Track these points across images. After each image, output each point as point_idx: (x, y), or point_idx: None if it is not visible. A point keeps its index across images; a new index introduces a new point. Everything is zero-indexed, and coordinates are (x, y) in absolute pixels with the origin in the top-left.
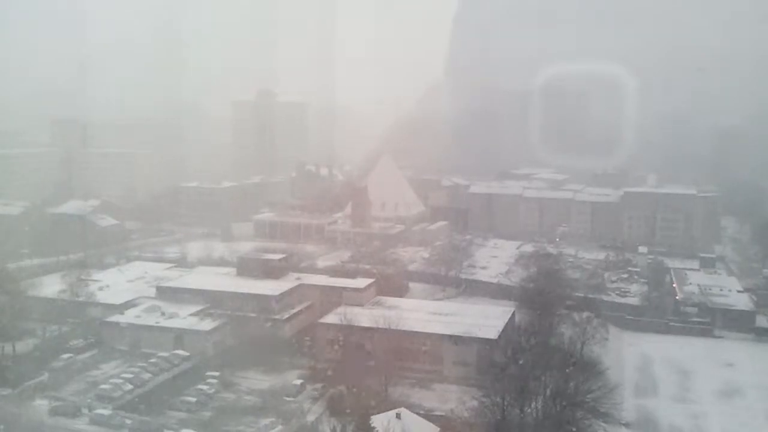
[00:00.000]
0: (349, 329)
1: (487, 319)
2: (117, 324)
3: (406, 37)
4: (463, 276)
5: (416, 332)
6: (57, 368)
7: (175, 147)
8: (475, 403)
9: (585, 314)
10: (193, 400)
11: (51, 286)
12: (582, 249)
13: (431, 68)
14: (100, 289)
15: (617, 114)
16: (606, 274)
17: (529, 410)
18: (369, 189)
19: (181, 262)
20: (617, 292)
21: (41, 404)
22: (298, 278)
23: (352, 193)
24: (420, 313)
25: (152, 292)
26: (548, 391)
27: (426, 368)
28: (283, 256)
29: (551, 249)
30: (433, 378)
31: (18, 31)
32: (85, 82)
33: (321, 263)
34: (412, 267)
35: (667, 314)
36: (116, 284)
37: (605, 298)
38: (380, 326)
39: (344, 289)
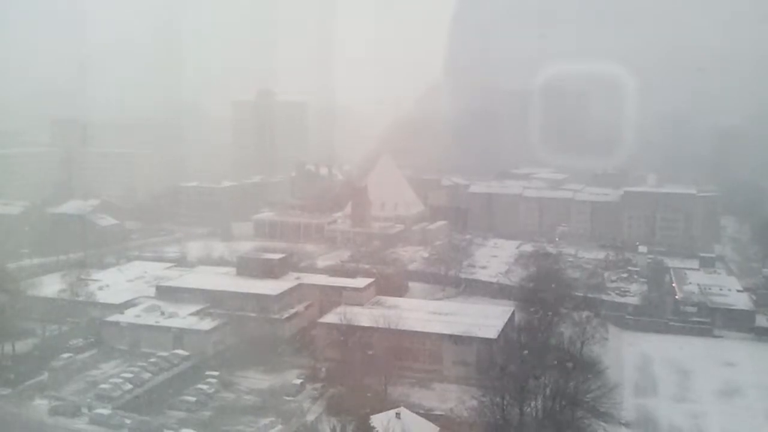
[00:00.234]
0: (348, 329)
1: (487, 319)
2: (117, 323)
3: (406, 37)
4: (463, 275)
5: (416, 332)
6: (57, 368)
7: (175, 147)
8: (474, 402)
9: (585, 314)
10: (193, 399)
11: (51, 286)
12: (582, 248)
13: (431, 68)
14: (100, 288)
15: (617, 114)
16: (606, 274)
17: (528, 410)
18: (369, 189)
19: (181, 262)
20: (617, 291)
21: (41, 404)
22: (298, 278)
23: (352, 192)
24: (420, 313)
25: (152, 291)
26: (548, 391)
27: (426, 368)
28: (283, 255)
29: (551, 248)
30: (432, 377)
31: (18, 31)
32: (85, 82)
33: (321, 263)
34: (411, 266)
35: (667, 314)
36: (116, 284)
37: (605, 297)
38: (380, 326)
39: (344, 288)
